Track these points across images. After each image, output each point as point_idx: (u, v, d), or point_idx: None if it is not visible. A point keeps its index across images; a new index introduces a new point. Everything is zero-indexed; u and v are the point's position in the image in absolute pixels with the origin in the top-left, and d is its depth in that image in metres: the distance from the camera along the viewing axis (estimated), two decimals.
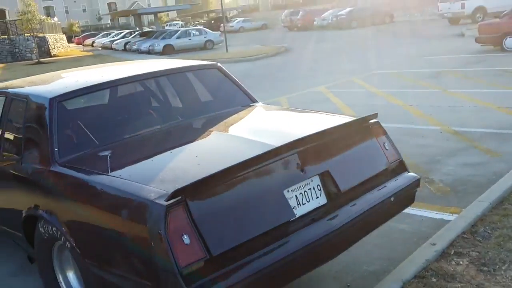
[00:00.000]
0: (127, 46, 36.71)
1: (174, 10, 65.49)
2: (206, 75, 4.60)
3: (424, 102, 9.17)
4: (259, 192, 2.78)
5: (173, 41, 31.22)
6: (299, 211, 2.87)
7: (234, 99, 4.40)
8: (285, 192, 2.85)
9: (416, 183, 3.52)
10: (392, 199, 3.24)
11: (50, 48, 37.49)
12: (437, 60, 14.92)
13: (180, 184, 2.42)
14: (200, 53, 28.58)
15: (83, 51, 44.89)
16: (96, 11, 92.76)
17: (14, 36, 35.81)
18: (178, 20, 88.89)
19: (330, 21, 38.95)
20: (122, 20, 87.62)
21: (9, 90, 4.13)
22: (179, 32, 32.54)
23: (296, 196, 2.90)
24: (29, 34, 34.34)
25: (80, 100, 4.09)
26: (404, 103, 9.26)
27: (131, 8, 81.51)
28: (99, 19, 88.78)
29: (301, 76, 14.92)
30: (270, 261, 2.55)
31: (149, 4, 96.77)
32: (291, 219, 2.81)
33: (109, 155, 3.17)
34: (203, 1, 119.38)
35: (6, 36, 35.64)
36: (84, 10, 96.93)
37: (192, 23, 77.37)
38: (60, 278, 3.43)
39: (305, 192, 2.96)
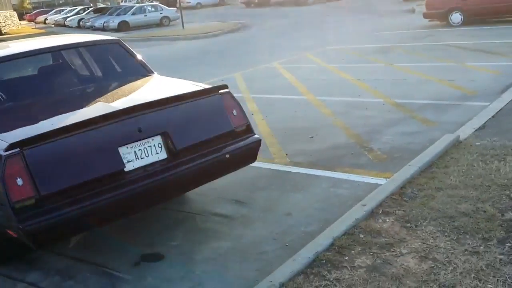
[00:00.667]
0: (81, 23, 35.86)
1: None
2: (108, 49, 5.28)
3: (371, 76, 9.53)
4: (92, 147, 3.43)
5: (128, 17, 30.74)
6: (136, 164, 3.59)
7: (130, 70, 5.10)
8: (121, 148, 3.53)
9: (257, 143, 4.28)
10: (227, 155, 3.95)
11: (0, 25, 36.21)
12: (386, 35, 15.35)
13: (19, 138, 3.18)
14: (156, 29, 28.28)
15: (35, 28, 43.52)
16: None
17: None
18: None
19: None
20: None
21: None
22: (134, 8, 31.98)
23: (135, 151, 3.61)
24: None
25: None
26: (352, 77, 9.60)
27: None
28: None
29: (256, 52, 15.10)
30: (96, 201, 3.30)
31: None
32: (124, 169, 3.51)
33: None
34: None
35: None
36: None
37: None
38: None
39: (145, 149, 3.65)
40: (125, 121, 3.58)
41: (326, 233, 3.62)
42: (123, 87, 4.73)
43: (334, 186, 4.82)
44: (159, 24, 31.11)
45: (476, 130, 5.63)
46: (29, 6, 61.73)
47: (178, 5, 51.54)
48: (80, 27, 35.84)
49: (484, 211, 3.71)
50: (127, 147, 3.57)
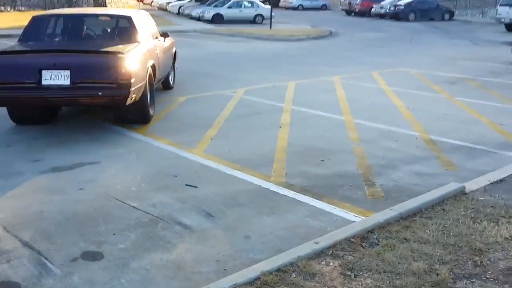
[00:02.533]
0: (180, 10, 37.08)
1: None
2: (118, 20, 8.26)
3: (423, 106, 9.01)
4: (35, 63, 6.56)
5: (223, 10, 31.29)
6: (48, 82, 6.43)
7: (121, 36, 7.93)
8: (43, 70, 6.40)
9: (123, 97, 6.60)
10: (100, 93, 6.57)
11: (106, 1, 38.32)
12: (468, 65, 14.45)
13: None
14: (247, 26, 28.57)
15: (140, 9, 45.66)
16: None
17: None
18: None
19: (387, 10, 37.97)
20: None
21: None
22: (230, 2, 32.46)
23: (51, 75, 6.40)
24: None
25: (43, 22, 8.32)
26: (403, 104, 9.13)
27: None
28: None
29: (326, 63, 14.80)
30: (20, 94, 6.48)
31: None
32: (38, 82, 6.43)
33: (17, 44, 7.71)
34: None
35: None
36: None
37: None
38: None
39: (56, 74, 6.42)
40: (55, 57, 6.62)
41: (256, 266, 3.45)
42: (92, 44, 7.90)
43: (311, 216, 4.60)
44: (252, 21, 31.41)
45: (490, 183, 5.14)
46: None
47: (280, 4, 52.02)
48: (179, 14, 37.05)
49: (437, 274, 3.38)
50: (47, 71, 6.48)
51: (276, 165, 5.92)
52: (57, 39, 8.19)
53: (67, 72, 6.41)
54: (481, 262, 3.56)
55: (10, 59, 6.83)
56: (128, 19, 8.07)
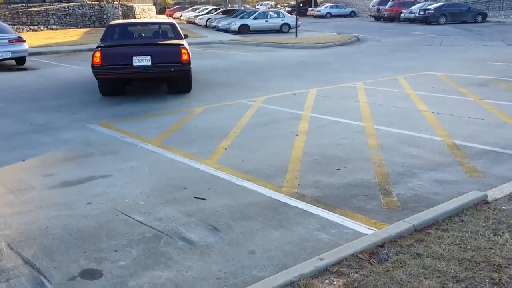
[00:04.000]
0: (207, 23, 37.32)
1: None
2: (166, 25, 12.14)
3: (448, 110, 8.66)
4: (127, 53, 10.28)
5: (249, 21, 31.34)
6: (137, 64, 10.13)
7: (169, 35, 11.71)
8: (133, 57, 10.10)
9: (188, 70, 10.59)
10: (172, 69, 10.33)
11: (136, 17, 38.99)
12: (498, 67, 13.94)
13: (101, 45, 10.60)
14: (272, 35, 28.50)
15: None
16: None
17: (104, 3, 37.62)
18: (271, 1, 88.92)
19: (417, 15, 37.35)
20: None
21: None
22: (256, 13, 32.56)
23: (138, 59, 10.05)
24: (117, 2, 35.91)
25: (116, 27, 12.07)
26: (427, 109, 8.80)
27: None
28: None
29: (351, 69, 14.52)
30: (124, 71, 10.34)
31: None
32: (130, 64, 10.13)
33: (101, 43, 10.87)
34: None
35: (96, 2, 37.53)
36: None
37: (282, 4, 77.09)
38: None
39: (141, 59, 10.10)
40: (140, 48, 10.35)
41: (257, 285, 3.25)
42: (158, 40, 11.55)
43: (321, 229, 4.38)
44: (279, 30, 31.33)
45: None
46: (171, 2, 65.74)
47: (308, 13, 51.87)
48: (206, 26, 37.30)
49: None
50: (136, 57, 10.09)
51: (289, 175, 5.72)
52: (131, 37, 11.88)
53: (149, 57, 10.17)
54: (500, 279, 3.28)
55: (113, 50, 10.43)
56: (173, 25, 12.08)
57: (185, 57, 10.22)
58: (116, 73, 10.33)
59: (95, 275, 3.75)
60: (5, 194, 5.44)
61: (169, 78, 10.87)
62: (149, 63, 10.14)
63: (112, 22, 12.45)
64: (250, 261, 3.87)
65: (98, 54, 10.08)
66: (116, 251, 4.10)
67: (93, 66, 10.19)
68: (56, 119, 8.98)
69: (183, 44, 10.55)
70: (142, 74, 10.34)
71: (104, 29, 11.96)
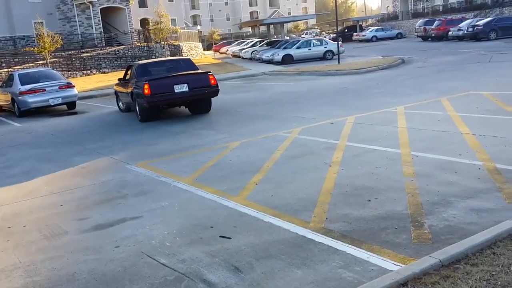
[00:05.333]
0: (252, 55, 37.83)
1: (300, 20, 65.72)
2: (185, 61, 15.23)
3: (492, 131, 8.28)
4: (169, 83, 12.86)
5: (292, 51, 31.54)
6: (178, 90, 12.75)
7: (190, 67, 14.19)
8: (174, 86, 12.69)
9: (216, 90, 13.51)
10: (206, 91, 13.21)
11: (183, 55, 40.12)
12: None
13: (148, 79, 13.06)
14: (315, 63, 28.51)
15: (214, 58, 47.21)
16: (239, 19, 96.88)
17: (153, 44, 38.96)
18: (317, 28, 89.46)
19: (466, 32, 36.39)
20: (262, 28, 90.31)
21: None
22: (299, 42, 32.74)
23: (179, 86, 12.71)
24: (164, 43, 37.08)
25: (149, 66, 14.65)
26: (469, 131, 8.45)
27: (271, 17, 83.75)
28: (240, 27, 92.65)
29: (392, 93, 14.24)
30: (170, 96, 12.93)
31: (289, 13, 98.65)
32: (173, 91, 12.74)
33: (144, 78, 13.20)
34: (345, 9, 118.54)
35: (145, 44, 38.92)
36: (228, 19, 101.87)
37: (327, 31, 77.39)
38: None
39: (180, 86, 12.76)
40: (178, 78, 12.92)
41: None
42: (183, 71, 13.64)
43: (345, 266, 4.21)
44: (322, 57, 31.32)
45: None
46: (218, 37, 67.25)
47: (354, 37, 51.67)
48: (251, 59, 37.81)
49: None
50: (177, 86, 12.65)
51: (317, 209, 5.59)
52: (164, 71, 14.09)
53: (186, 84, 12.75)
54: None
55: (158, 81, 12.77)
56: (189, 59, 15.54)
57: (212, 81, 13.10)
58: (163, 100, 12.79)
59: None
60: (39, 239, 5.59)
61: (202, 100, 13.53)
62: (187, 89, 12.71)
63: (138, 62, 15.49)
64: None
65: (147, 86, 12.39)
66: None
67: (144, 96, 12.46)
68: (97, 162, 9.23)
69: (210, 72, 13.55)
70: (182, 98, 12.94)
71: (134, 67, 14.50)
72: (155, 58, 35.76)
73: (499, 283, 3.44)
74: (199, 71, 13.75)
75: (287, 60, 30.89)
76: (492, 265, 3.70)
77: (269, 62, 32.19)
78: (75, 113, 17.51)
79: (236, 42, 55.90)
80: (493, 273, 3.58)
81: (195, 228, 5.43)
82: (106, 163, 9.04)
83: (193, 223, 5.59)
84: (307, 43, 32.39)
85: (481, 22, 35.99)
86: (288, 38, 49.84)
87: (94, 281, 4.45)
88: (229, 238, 5.06)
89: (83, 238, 5.54)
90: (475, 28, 35.58)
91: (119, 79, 15.57)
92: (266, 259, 4.50)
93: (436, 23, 41.80)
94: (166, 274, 4.42)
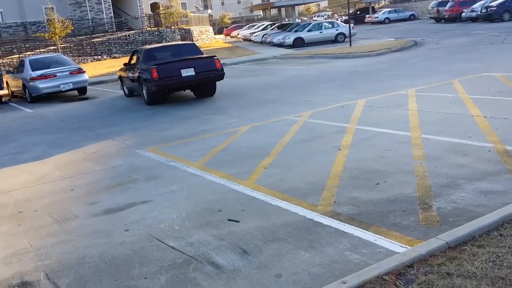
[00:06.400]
0: (263, 39, 37.61)
1: (312, 2, 64.91)
2: (190, 45, 15.59)
3: (503, 113, 8.19)
4: (176, 67, 13.14)
5: (304, 34, 31.30)
6: (184, 74, 13.05)
7: (194, 52, 14.59)
8: (181, 70, 13.01)
9: (222, 73, 13.83)
10: (212, 75, 13.55)
11: (193, 39, 40.01)
12: None
13: (155, 63, 13.38)
14: (327, 46, 28.31)
15: (225, 42, 47.01)
16: (250, 2, 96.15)
17: (163, 28, 38.87)
18: (329, 11, 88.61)
19: (479, 13, 35.80)
20: (274, 11, 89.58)
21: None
22: (311, 25, 32.47)
23: (186, 70, 13.14)
24: (175, 27, 36.96)
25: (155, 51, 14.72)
26: (480, 114, 8.37)
27: None
28: (251, 10, 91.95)
29: (404, 76, 14.12)
30: (177, 80, 13.22)
31: None
32: (180, 75, 12.99)
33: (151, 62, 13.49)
34: None
35: (155, 28, 38.83)
36: (239, 2, 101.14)
37: (340, 13, 76.57)
38: None
39: (187, 70, 13.02)
40: (185, 62, 13.17)
41: None
42: (188, 55, 13.89)
43: (352, 248, 4.23)
44: (334, 40, 31.07)
45: None
46: (229, 21, 66.91)
47: (366, 20, 51.08)
48: (262, 42, 37.60)
49: None
50: (184, 70, 12.96)
51: (326, 192, 5.59)
52: (170, 55, 14.24)
53: (192, 69, 13.06)
54: None
55: (166, 66, 13.03)
56: (194, 44, 15.80)
57: (218, 65, 13.39)
58: (170, 83, 13.07)
59: None
60: (50, 224, 5.67)
61: (208, 83, 13.78)
62: (193, 73, 13.02)
63: (143, 47, 15.39)
64: (276, 285, 3.80)
65: (155, 70, 12.70)
66: (146, 278, 4.15)
67: (153, 80, 12.77)
68: (107, 147, 9.30)
69: (215, 56, 13.87)
70: (189, 82, 13.27)
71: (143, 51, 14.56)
72: (166, 42, 35.79)
73: (505, 264, 3.43)
74: (205, 55, 14.12)
75: (298, 43, 30.70)
76: (499, 246, 3.69)
77: (280, 45, 32.03)
78: (86, 98, 17.61)
79: (247, 26, 55.56)
80: (499, 254, 3.57)
81: (203, 212, 5.47)
82: (117, 148, 9.10)
83: (202, 207, 5.63)
84: (319, 26, 32.12)
85: (494, 3, 35.31)
86: (299, 21, 49.48)
87: (104, 264, 4.51)
88: (237, 221, 5.10)
89: (93, 222, 5.60)
90: (488, 9, 34.96)
91: (124, 64, 15.81)
92: (273, 242, 4.53)
93: (449, 4, 41.11)
94: (175, 257, 4.47)
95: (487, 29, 28.15)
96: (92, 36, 36.40)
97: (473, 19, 36.42)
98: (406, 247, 4.08)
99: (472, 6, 37.55)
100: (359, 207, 5.10)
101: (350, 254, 4.13)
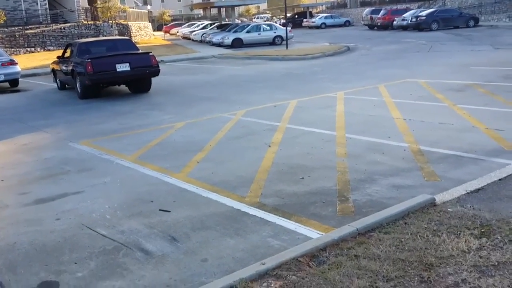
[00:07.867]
0: (202, 38, 37.72)
1: (252, 4, 65.67)
2: (125, 41, 15.49)
3: (421, 116, 8.86)
4: (109, 62, 13.17)
5: (242, 35, 31.71)
6: (119, 69, 13.10)
7: (129, 47, 14.47)
8: (116, 65, 13.06)
9: (157, 70, 13.91)
10: (147, 71, 13.73)
11: (132, 35, 39.50)
12: (480, 71, 14.14)
13: (89, 58, 13.34)
14: (264, 48, 28.85)
15: (164, 39, 46.69)
16: (190, 0, 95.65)
17: (100, 22, 38.11)
18: (268, 13, 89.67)
19: (409, 22, 37.64)
20: (214, 11, 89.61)
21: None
22: (249, 26, 32.96)
23: (121, 65, 13.02)
24: (112, 22, 36.36)
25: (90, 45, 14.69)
26: (401, 116, 9.00)
27: None
28: (192, 9, 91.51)
29: (335, 79, 14.76)
30: (111, 74, 13.24)
31: None
32: (115, 70, 13.06)
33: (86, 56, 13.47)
34: None
35: (92, 22, 38.02)
36: (179, 0, 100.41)
37: (279, 16, 77.74)
38: None
39: (122, 65, 13.08)
40: (120, 57, 13.23)
41: None
42: (124, 51, 13.85)
43: (274, 235, 4.56)
44: (272, 42, 31.67)
45: (467, 193, 5.00)
46: (169, 19, 66.35)
47: (303, 24, 52.20)
48: (201, 41, 37.68)
49: None
50: (119, 65, 13.01)
51: (254, 185, 5.92)
52: (104, 50, 14.13)
53: (127, 64, 13.12)
54: (429, 277, 3.45)
55: (101, 60, 13.07)
56: (130, 40, 15.94)
57: (154, 61, 13.66)
58: (104, 78, 13.07)
59: (53, 286, 3.94)
60: None
61: (143, 79, 13.94)
62: (129, 68, 13.13)
63: (78, 41, 15.69)
64: (201, 268, 4.06)
65: (89, 64, 12.69)
66: (75, 263, 4.30)
67: (87, 74, 12.72)
68: (40, 139, 9.22)
69: (151, 52, 14.19)
70: (124, 77, 13.36)
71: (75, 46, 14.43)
72: (103, 37, 35.07)
73: (406, 248, 3.87)
74: (141, 51, 14.20)
75: (237, 43, 31.07)
76: (403, 233, 4.13)
77: (219, 45, 32.27)
78: (18, 90, 17.14)
79: (187, 24, 55.39)
80: (402, 240, 4.01)
81: (135, 203, 5.65)
82: (49, 141, 9.05)
83: (134, 198, 5.80)
84: (257, 28, 32.65)
85: (424, 13, 37.25)
86: (239, 22, 49.89)
87: (34, 250, 4.61)
88: (169, 211, 5.32)
89: (24, 211, 5.65)
90: (418, 19, 36.84)
91: (57, 57, 15.71)
92: (202, 230, 4.80)
93: (382, 12, 42.92)
94: (105, 244, 4.64)
95: (416, 37, 29.66)
96: (25, 27, 35.14)
97: (404, 28, 38.23)
98: (323, 234, 4.46)
99: (403, 15, 39.41)
100: (283, 198, 5.46)
101: (272, 241, 4.46)
